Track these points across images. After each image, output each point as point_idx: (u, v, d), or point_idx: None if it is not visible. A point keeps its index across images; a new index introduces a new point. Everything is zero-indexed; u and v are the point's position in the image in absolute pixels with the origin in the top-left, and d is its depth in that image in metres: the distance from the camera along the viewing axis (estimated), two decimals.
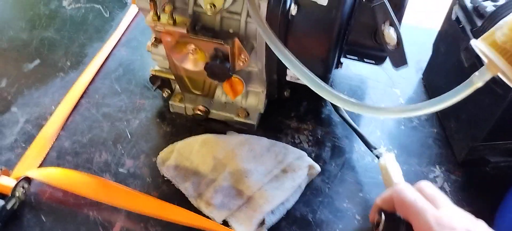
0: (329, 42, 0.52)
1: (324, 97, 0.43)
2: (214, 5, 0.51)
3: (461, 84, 0.35)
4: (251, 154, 0.57)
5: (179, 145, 0.59)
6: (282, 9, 0.49)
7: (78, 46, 0.78)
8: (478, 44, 0.33)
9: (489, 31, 0.33)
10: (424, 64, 0.73)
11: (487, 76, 0.33)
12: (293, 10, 0.49)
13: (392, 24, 0.47)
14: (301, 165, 0.57)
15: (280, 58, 0.44)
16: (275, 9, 0.49)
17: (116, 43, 0.78)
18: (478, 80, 0.34)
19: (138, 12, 0.84)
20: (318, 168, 0.59)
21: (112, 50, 0.77)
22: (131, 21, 0.83)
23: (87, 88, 0.70)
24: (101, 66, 0.74)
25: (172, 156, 0.57)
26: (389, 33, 0.48)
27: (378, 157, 0.59)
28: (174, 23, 0.52)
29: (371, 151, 0.60)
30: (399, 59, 0.48)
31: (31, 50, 0.77)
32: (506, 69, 0.31)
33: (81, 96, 0.69)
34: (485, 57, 0.33)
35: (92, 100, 0.69)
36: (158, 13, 0.52)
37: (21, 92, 0.70)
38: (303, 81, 0.43)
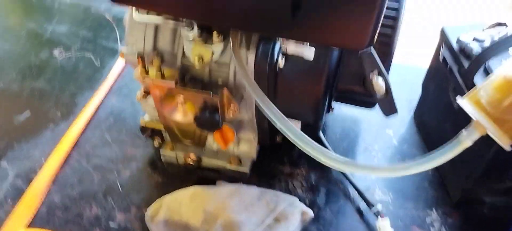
0: (318, 91, 0.51)
1: (312, 155, 0.42)
2: (202, 58, 0.51)
3: (450, 143, 0.34)
4: (242, 205, 0.56)
5: (167, 199, 0.58)
6: (270, 62, 0.49)
7: (69, 95, 0.78)
8: (463, 104, 0.32)
9: (473, 89, 0.33)
10: (415, 103, 0.73)
11: (475, 136, 0.33)
12: (281, 62, 0.49)
13: (380, 73, 0.47)
14: (293, 212, 0.56)
15: (267, 116, 0.43)
16: (263, 63, 0.49)
17: (107, 92, 0.78)
18: (465, 139, 0.33)
19: None
20: (311, 213, 0.58)
21: (103, 99, 0.77)
22: (122, 69, 0.83)
23: (77, 139, 0.70)
24: (92, 116, 0.74)
25: (161, 211, 0.56)
26: (378, 82, 0.47)
27: (375, 215, 0.58)
28: (162, 76, 0.52)
29: (369, 208, 0.59)
30: (389, 108, 0.48)
31: (22, 101, 0.77)
32: (493, 130, 0.30)
33: (72, 148, 0.68)
34: (472, 116, 0.32)
35: (82, 152, 0.68)
36: (146, 67, 0.52)
37: (11, 145, 0.69)
38: (290, 138, 0.43)
